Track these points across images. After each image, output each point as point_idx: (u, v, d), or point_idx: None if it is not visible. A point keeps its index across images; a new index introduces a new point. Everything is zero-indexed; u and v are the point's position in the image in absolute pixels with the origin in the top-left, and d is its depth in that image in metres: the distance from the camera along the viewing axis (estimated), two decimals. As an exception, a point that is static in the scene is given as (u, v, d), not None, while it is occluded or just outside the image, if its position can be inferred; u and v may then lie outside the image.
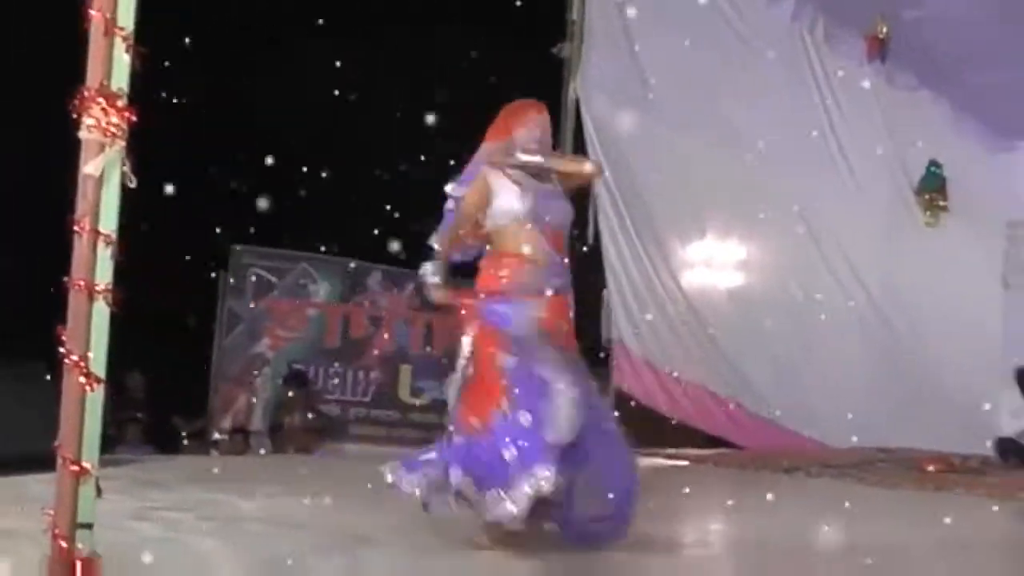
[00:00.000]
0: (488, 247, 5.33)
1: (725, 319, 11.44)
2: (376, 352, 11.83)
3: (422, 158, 11.56)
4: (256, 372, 12.16)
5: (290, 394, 11.98)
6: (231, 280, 12.23)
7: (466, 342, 5.13)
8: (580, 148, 10.99)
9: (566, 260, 5.30)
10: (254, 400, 12.27)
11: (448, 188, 5.48)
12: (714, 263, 11.70)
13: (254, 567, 4.23)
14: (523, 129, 5.33)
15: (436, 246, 5.38)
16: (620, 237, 11.17)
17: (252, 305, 12.17)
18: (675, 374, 11.22)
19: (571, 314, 5.27)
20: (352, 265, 12.15)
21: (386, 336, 11.85)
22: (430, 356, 11.81)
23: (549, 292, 5.14)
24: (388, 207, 11.72)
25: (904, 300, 12.15)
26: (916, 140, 12.35)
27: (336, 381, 11.65)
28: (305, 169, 12.85)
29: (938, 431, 11.28)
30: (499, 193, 5.24)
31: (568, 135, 11.00)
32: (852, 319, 12.20)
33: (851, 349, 12.00)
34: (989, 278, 12.66)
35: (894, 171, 12.31)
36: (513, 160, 5.28)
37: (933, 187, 12.35)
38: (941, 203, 12.33)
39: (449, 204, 5.44)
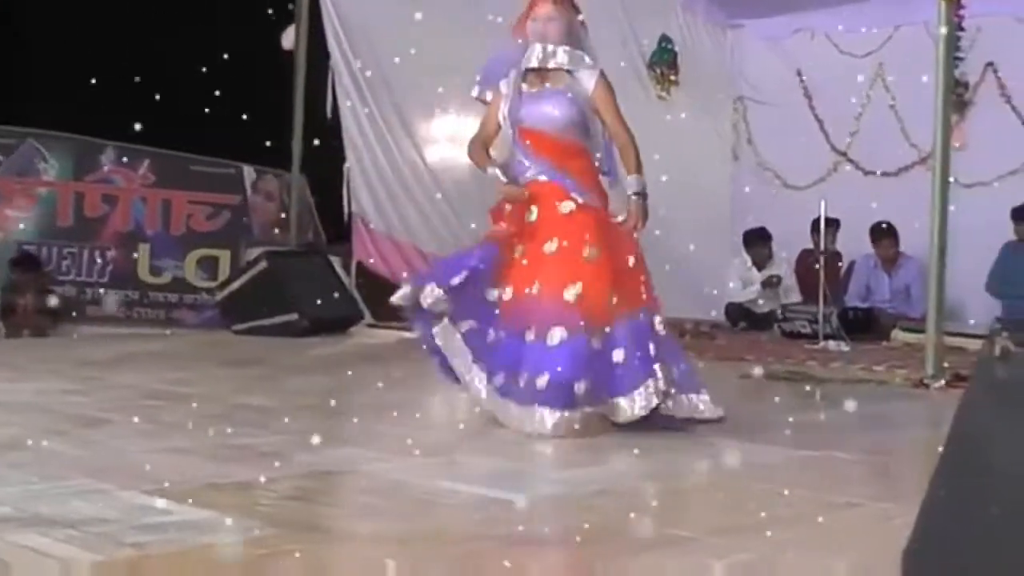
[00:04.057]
0: None
1: (469, 193, 11.54)
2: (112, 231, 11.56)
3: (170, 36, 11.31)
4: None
5: (20, 276, 11.66)
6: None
7: None
8: (317, 21, 10.90)
9: (555, 155, 5.30)
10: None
11: (473, 93, 5.65)
12: (458, 138, 11.75)
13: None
14: (531, 23, 5.39)
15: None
16: (360, 112, 11.13)
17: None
18: (419, 248, 11.33)
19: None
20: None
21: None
22: (168, 234, 11.60)
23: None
24: (123, 81, 11.43)
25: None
26: (648, 16, 12.57)
27: (70, 262, 11.36)
28: (34, 40, 12.40)
29: (674, 299, 11.62)
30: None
31: (304, 8, 10.89)
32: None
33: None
34: (719, 151, 13.03)
35: (628, 45, 12.50)
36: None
37: (664, 61, 12.61)
38: (672, 77, 12.63)
39: None
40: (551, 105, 5.31)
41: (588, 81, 5.35)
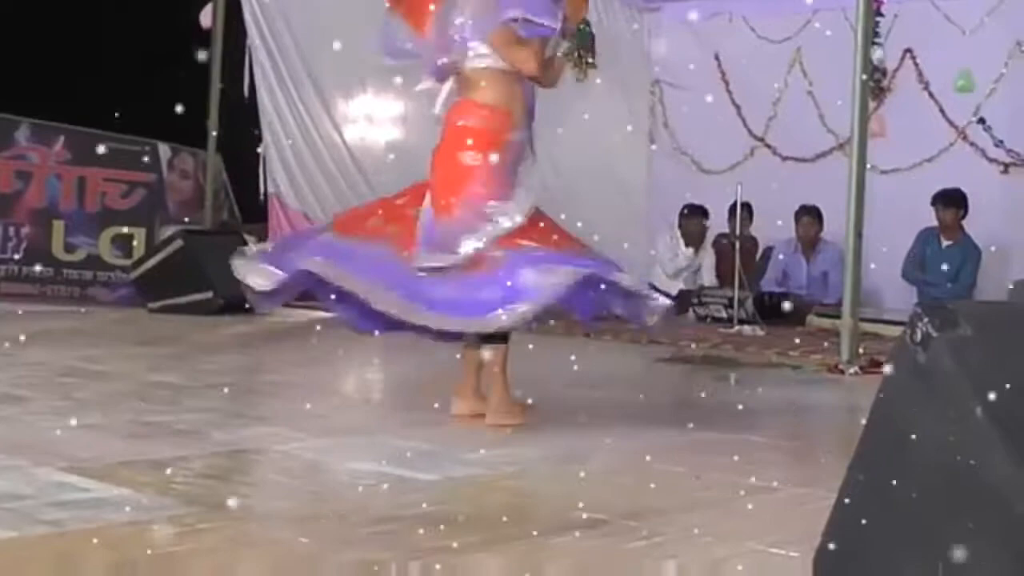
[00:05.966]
0: None
1: (386, 172, 11.50)
2: (27, 207, 11.37)
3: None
4: None
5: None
6: None
7: None
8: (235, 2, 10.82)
9: None
10: None
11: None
12: (376, 118, 11.73)
13: None
14: None
15: None
16: (277, 90, 11.08)
17: None
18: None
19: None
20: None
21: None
22: (83, 212, 11.46)
23: None
24: (39, 58, 11.27)
25: (557, 155, 12.42)
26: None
27: (-17, 238, 11.17)
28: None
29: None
30: None
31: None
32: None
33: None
34: (636, 135, 13.02)
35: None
36: None
37: (582, 44, 12.56)
38: (589, 60, 12.60)
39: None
40: None
41: None
